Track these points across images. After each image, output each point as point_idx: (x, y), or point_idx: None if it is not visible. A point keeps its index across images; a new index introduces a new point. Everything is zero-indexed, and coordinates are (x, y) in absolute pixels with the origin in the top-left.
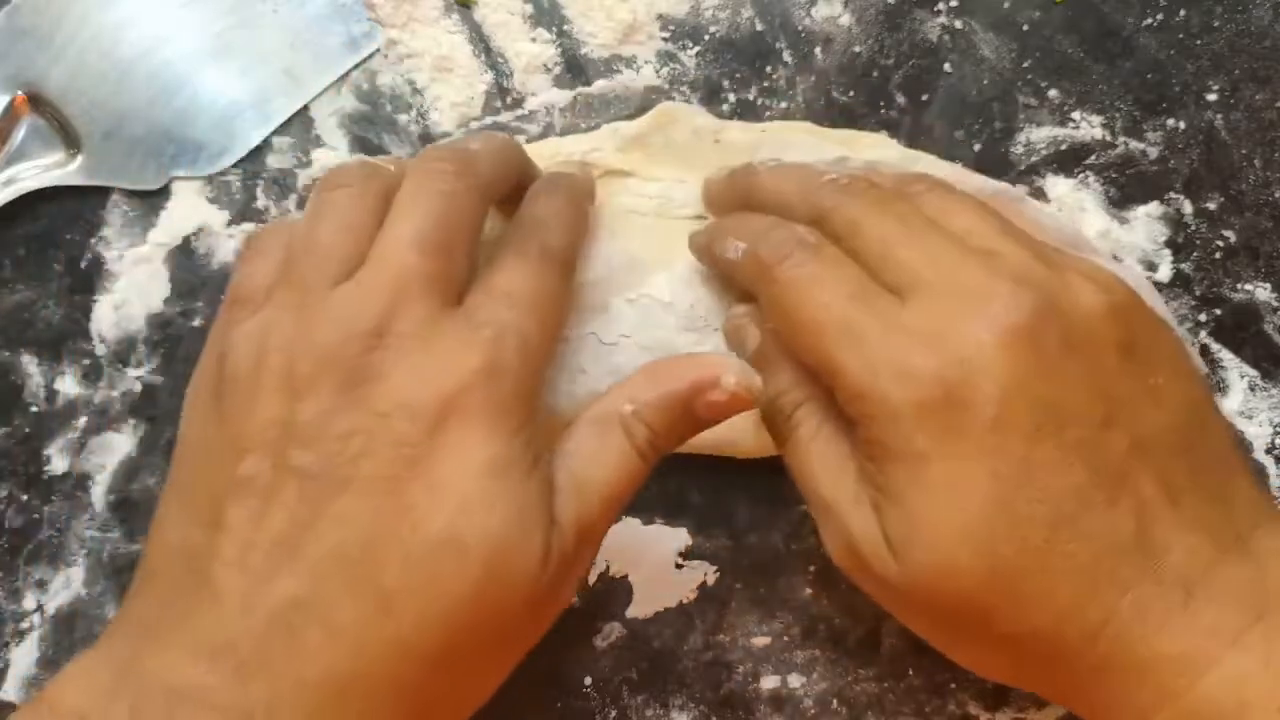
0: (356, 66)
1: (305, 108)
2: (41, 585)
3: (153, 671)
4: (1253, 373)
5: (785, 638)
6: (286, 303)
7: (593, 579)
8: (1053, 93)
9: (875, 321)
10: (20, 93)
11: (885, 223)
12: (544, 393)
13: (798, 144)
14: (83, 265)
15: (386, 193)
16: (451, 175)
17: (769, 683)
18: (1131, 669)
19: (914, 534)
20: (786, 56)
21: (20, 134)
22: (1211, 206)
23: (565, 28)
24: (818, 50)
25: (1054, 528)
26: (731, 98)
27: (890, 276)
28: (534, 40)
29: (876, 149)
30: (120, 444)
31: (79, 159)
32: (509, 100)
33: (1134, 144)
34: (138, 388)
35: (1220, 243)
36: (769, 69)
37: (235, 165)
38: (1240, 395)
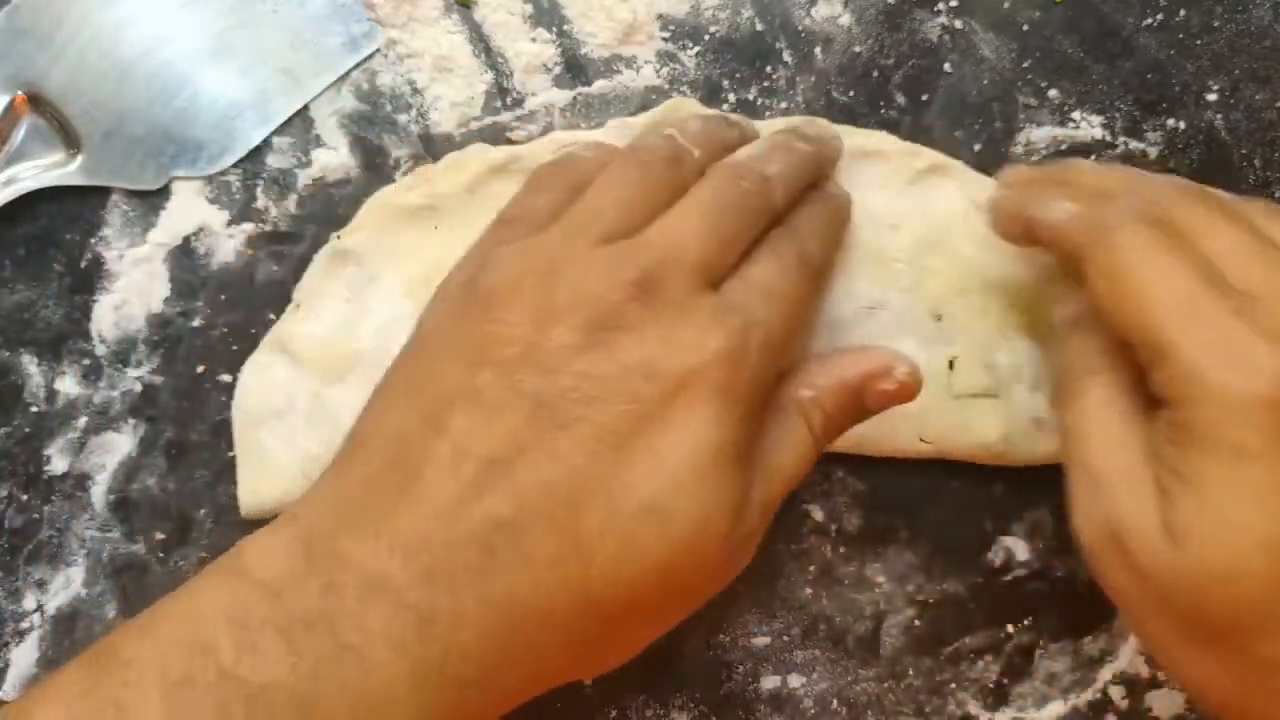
0: (356, 66)
1: (305, 108)
2: (41, 585)
3: (348, 555)
4: None
5: (785, 638)
6: (559, 238)
7: None
8: (1053, 93)
9: (1223, 304)
10: (20, 93)
11: (1234, 228)
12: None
13: None
14: (83, 265)
15: (684, 181)
16: (750, 192)
17: (769, 683)
18: None
19: (1207, 527)
20: (786, 56)
21: (20, 134)
22: None
23: (565, 28)
24: (818, 50)
25: None
26: (731, 98)
27: (1239, 274)
28: (534, 40)
29: (880, 144)
30: (120, 444)
31: (79, 159)
32: (509, 100)
33: (1134, 144)
34: (138, 388)
35: None
36: (769, 69)
37: (235, 165)
38: None
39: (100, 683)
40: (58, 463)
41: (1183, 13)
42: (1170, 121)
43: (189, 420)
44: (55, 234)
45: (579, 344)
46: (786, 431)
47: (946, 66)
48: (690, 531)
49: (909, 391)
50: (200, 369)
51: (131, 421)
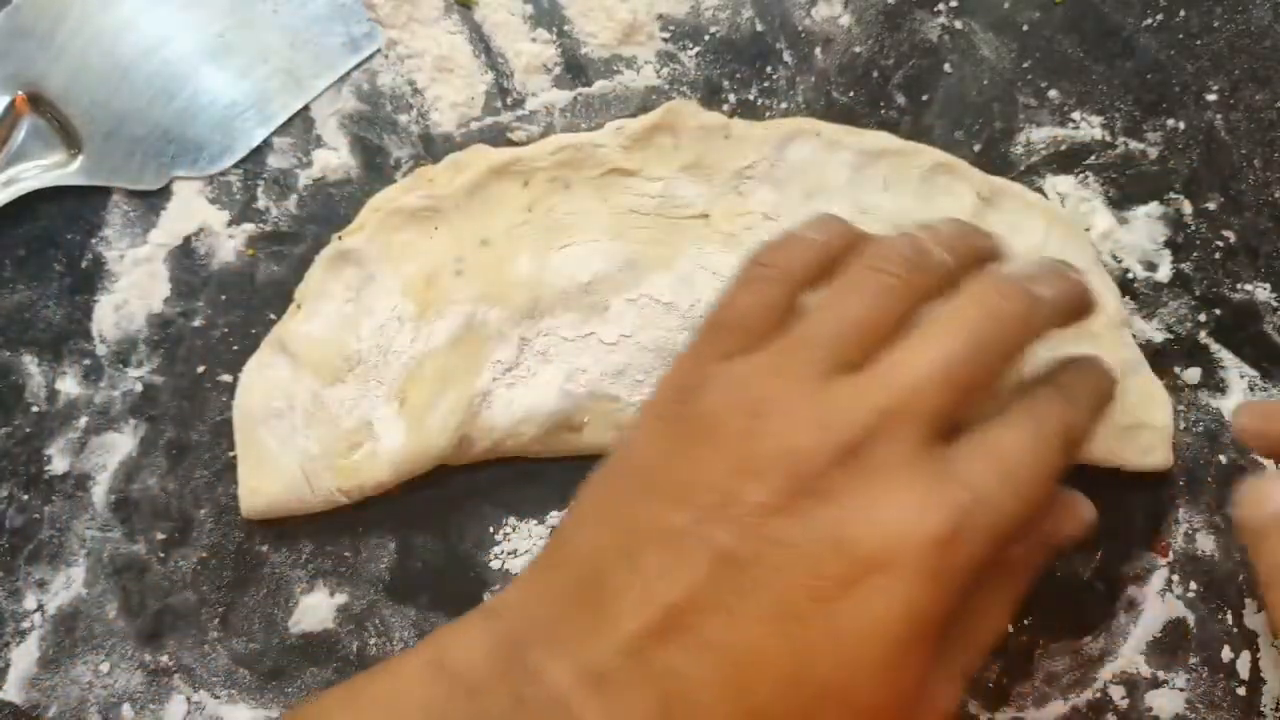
0: (357, 66)
1: (305, 108)
2: (41, 585)
3: (540, 670)
4: (1252, 373)
5: None
6: (771, 366)
7: None
8: (1053, 93)
9: None
10: (20, 93)
11: None
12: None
13: (805, 134)
14: (83, 265)
15: (927, 293)
16: (1014, 317)
17: None
18: None
19: None
20: (786, 56)
21: (20, 134)
22: (1211, 206)
23: (565, 28)
24: (818, 50)
25: None
26: (731, 98)
27: None
28: (534, 40)
29: (878, 143)
30: (120, 444)
31: (79, 159)
32: (509, 100)
33: (1134, 144)
34: (138, 388)
35: (1220, 243)
36: (769, 69)
37: (235, 165)
38: (1240, 395)
39: None
40: (58, 463)
41: (1183, 13)
42: (1170, 121)
43: (189, 420)
44: (55, 234)
45: (773, 505)
46: (993, 594)
47: (946, 66)
48: (871, 715)
49: (1088, 531)
50: (200, 369)
51: (132, 421)
